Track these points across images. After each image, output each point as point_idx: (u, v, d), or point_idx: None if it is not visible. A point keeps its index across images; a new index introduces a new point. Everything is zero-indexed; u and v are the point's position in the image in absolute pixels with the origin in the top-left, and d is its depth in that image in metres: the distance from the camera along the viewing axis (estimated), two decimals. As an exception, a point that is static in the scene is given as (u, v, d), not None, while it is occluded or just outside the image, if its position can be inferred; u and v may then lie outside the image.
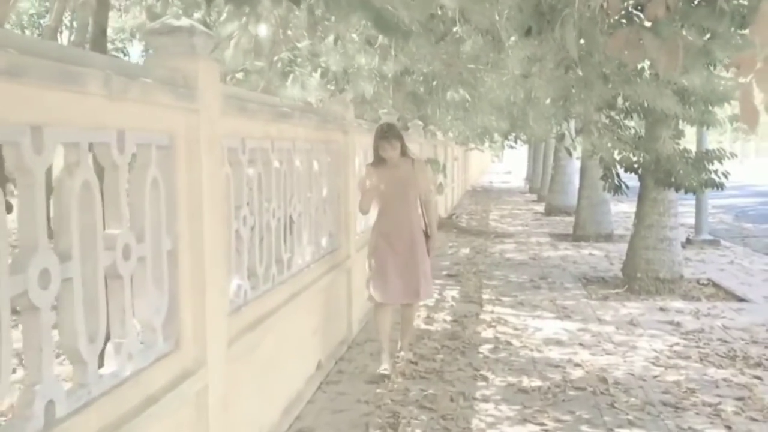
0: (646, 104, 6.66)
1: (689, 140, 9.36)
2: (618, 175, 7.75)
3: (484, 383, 4.86)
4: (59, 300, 2.19)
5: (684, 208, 10.00)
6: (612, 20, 4.02)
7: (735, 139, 54.29)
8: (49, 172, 2.24)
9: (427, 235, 5.19)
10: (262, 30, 5.88)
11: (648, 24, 3.27)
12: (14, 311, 1.96)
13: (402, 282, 5.01)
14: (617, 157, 7.37)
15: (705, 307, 7.10)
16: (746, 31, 4.47)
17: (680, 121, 7.67)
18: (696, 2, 4.26)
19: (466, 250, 11.35)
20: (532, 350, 5.65)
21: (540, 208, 18.61)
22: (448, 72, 7.08)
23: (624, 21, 4.08)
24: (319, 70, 5.46)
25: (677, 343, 5.80)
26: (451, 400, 4.53)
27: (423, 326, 6.41)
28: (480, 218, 16.99)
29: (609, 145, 6.96)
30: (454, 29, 5.71)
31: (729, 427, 4.10)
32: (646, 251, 7.89)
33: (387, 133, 5.00)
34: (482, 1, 5.30)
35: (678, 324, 6.42)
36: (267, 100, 3.98)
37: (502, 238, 12.86)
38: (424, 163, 5.37)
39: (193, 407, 2.93)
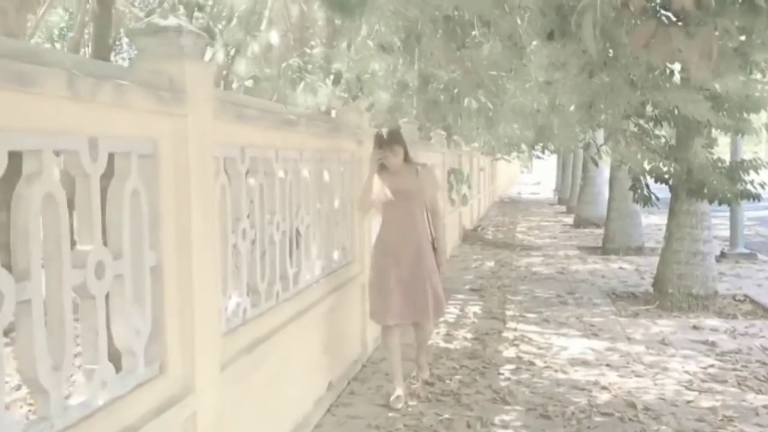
0: (676, 111, 6.34)
1: (723, 149, 8.97)
2: (647, 186, 7.41)
3: (503, 407, 4.57)
4: (16, 324, 1.98)
5: (718, 221, 9.59)
6: (637, 20, 3.73)
7: (771, 149, 53.06)
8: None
9: (435, 249, 4.79)
10: (274, 36, 5.71)
11: (678, 22, 3.01)
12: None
13: (407, 300, 4.59)
14: (647, 167, 7.03)
15: (742, 326, 6.72)
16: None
17: (713, 129, 7.31)
18: None
19: (490, 264, 11.04)
20: (556, 371, 5.34)
21: (569, 219, 18.20)
22: (467, 79, 6.83)
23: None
24: (331, 77, 5.22)
25: (712, 365, 5.44)
26: (468, 426, 4.25)
27: (442, 344, 6.13)
28: (507, 230, 16.64)
29: (638, 155, 6.63)
30: (473, 33, 5.46)
31: (770, 460, 3.78)
32: (678, 266, 7.53)
33: (390, 140, 4.61)
34: (502, 4, 5.05)
35: (713, 344, 6.05)
36: (268, 107, 3.77)
37: (528, 251, 12.52)
38: (430, 169, 4.96)
39: (179, 437, 2.70)
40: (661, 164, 7.09)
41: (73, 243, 2.20)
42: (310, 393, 4.42)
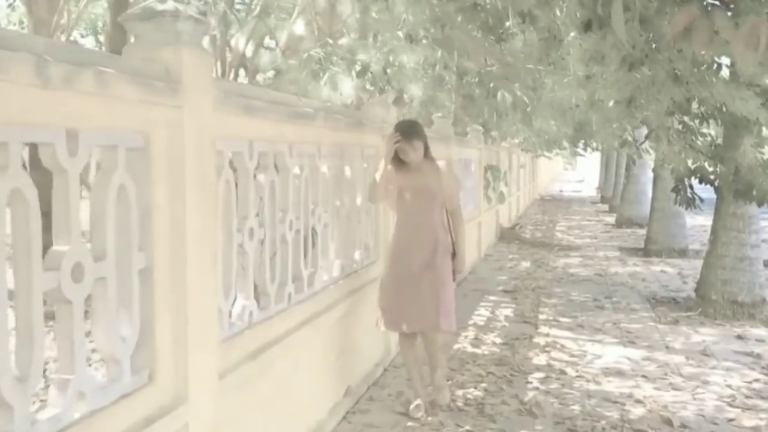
0: (724, 108, 5.97)
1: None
2: (691, 187, 7.04)
3: (529, 420, 4.32)
4: (-24, 332, 1.82)
5: (767, 224, 9.13)
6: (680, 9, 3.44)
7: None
8: None
9: (453, 254, 4.42)
10: (300, 26, 5.53)
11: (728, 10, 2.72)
12: None
13: (414, 306, 4.26)
14: (691, 167, 6.67)
15: (790, 336, 6.34)
16: None
17: (764, 128, 6.90)
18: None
19: (526, 264, 10.73)
20: (588, 381, 5.06)
21: (611, 219, 17.71)
22: (503, 72, 6.57)
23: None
24: (356, 69, 5.02)
25: (757, 380, 5.09)
26: (490, 439, 4.02)
27: (469, 349, 5.88)
28: (545, 229, 16.26)
29: (682, 154, 6.27)
30: (507, 24, 5.20)
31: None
32: (723, 271, 7.15)
33: (408, 133, 4.25)
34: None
35: (758, 356, 5.69)
36: (279, 98, 3.57)
37: (566, 252, 12.15)
38: (451, 167, 4.61)
39: (169, 450, 2.52)
40: (706, 164, 6.71)
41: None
42: (324, 399, 4.23)
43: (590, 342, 6.13)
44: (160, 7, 2.53)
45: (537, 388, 4.90)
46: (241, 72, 8.11)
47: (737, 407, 4.54)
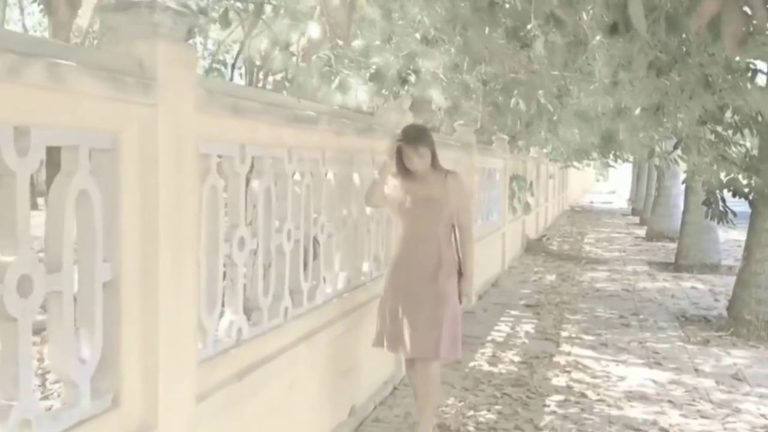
0: (759, 117, 5.63)
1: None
2: (723, 201, 6.69)
3: (543, 447, 4.04)
4: None
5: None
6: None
7: None
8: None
9: (460, 273, 3.99)
10: (314, 29, 5.32)
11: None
12: None
13: (415, 331, 3.81)
14: (723, 180, 6.32)
15: (829, 361, 5.96)
16: None
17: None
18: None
19: (551, 277, 10.40)
20: (609, 406, 4.75)
21: (641, 232, 17.25)
22: (526, 79, 6.29)
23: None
24: (369, 72, 4.78)
25: (793, 408, 4.76)
26: (499, 468, 3.75)
27: (485, 367, 5.60)
28: (573, 241, 15.86)
29: (714, 166, 5.93)
30: (528, 26, 4.93)
31: None
32: (757, 290, 6.78)
33: (414, 138, 3.88)
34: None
35: (795, 382, 5.34)
36: (275, 100, 3.35)
37: (594, 265, 11.78)
38: (460, 177, 4.11)
39: (133, 483, 2.30)
40: (740, 176, 6.36)
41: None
42: (325, 420, 3.98)
43: (614, 362, 5.81)
44: (136, -4, 2.33)
45: (554, 412, 4.61)
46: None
47: (771, 439, 4.22)
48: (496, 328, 7.02)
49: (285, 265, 3.50)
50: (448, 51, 5.15)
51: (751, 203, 6.88)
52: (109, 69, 2.14)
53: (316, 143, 3.82)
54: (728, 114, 6.00)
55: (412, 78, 5.74)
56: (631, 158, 18.77)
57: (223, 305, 3.03)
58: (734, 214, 6.90)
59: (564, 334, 6.77)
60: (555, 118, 7.93)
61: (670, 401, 4.87)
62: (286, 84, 5.44)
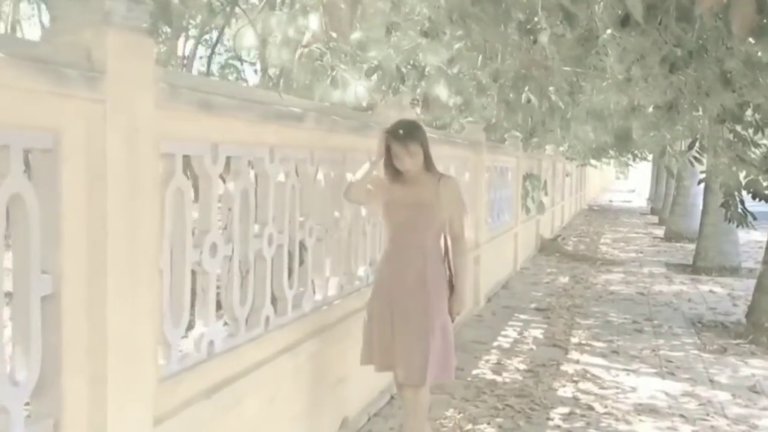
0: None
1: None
2: (742, 202, 6.39)
3: (544, 466, 3.80)
4: None
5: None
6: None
7: None
8: None
9: (452, 288, 3.55)
10: (313, 21, 5.11)
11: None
12: None
13: (400, 351, 3.41)
14: (742, 181, 6.01)
15: None
16: None
17: (828, 139, 6.21)
18: None
19: (564, 279, 10.11)
20: (617, 420, 4.50)
21: (660, 232, 16.87)
22: (536, 75, 6.03)
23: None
24: (365, 67, 4.55)
25: (815, 426, 4.47)
26: (495, 489, 3.51)
27: (489, 375, 5.36)
28: (589, 241, 15.53)
29: (733, 167, 5.63)
30: (535, 19, 4.68)
31: None
32: (777, 296, 6.47)
33: (404, 134, 3.42)
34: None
35: (817, 396, 5.05)
36: (253, 95, 3.14)
37: (609, 267, 11.46)
38: (454, 182, 3.66)
39: None
40: (760, 178, 6.04)
41: None
42: (312, 434, 3.77)
43: (624, 372, 5.54)
44: (84, -18, 2.12)
45: (558, 427, 4.36)
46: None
47: (790, 460, 3.94)
48: (503, 333, 6.76)
49: (266, 271, 3.29)
50: (449, 44, 4.89)
51: (773, 205, 6.55)
52: (46, 60, 1.93)
53: (304, 142, 3.60)
54: (748, 112, 5.70)
55: (413, 73, 5.51)
56: (649, 157, 18.39)
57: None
58: (754, 216, 6.57)
59: (574, 340, 6.50)
60: (569, 116, 7.65)
61: (682, 415, 4.60)
62: (281, 80, 5.22)
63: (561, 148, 14.97)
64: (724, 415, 4.62)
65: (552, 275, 10.45)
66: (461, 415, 4.47)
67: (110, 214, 2.13)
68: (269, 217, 3.28)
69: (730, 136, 5.48)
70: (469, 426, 4.30)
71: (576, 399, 4.87)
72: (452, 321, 3.55)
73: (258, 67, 9.64)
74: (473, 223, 7.63)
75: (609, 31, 4.78)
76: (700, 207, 12.08)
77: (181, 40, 11.42)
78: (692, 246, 12.42)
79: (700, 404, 4.83)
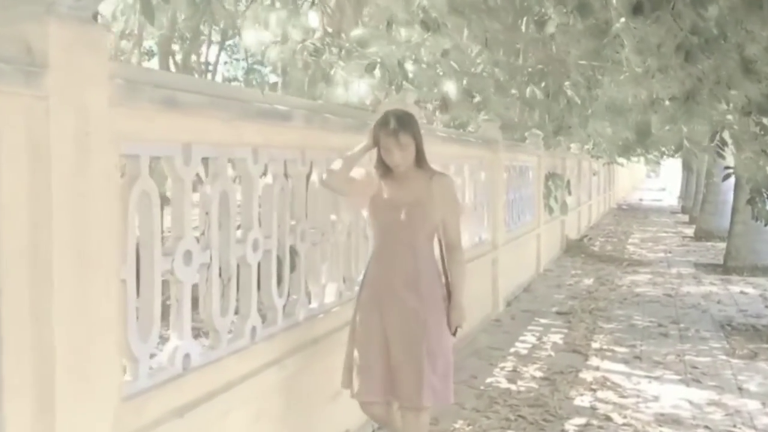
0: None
1: None
2: (771, 199, 6.09)
3: (555, 484, 3.56)
4: None
5: None
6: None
7: None
8: None
9: (449, 299, 3.23)
10: (313, 18, 4.94)
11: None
12: None
13: (390, 371, 3.12)
14: (770, 177, 5.72)
15: None
16: None
17: None
18: None
19: (589, 281, 9.81)
20: (637, 431, 4.24)
21: (690, 231, 16.43)
22: (551, 68, 5.80)
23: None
24: (365, 63, 4.35)
25: None
26: None
27: (503, 384, 5.12)
28: (617, 241, 15.14)
29: (761, 161, 5.34)
30: (542, 9, 4.46)
31: None
32: (811, 297, 6.13)
33: (395, 125, 3.07)
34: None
35: None
36: (228, 92, 2.96)
37: (636, 267, 11.12)
38: (449, 180, 3.35)
39: None
40: (788, 173, 5.74)
41: None
42: (308, 450, 3.58)
43: (646, 379, 5.27)
44: (25, -31, 1.95)
45: (573, 440, 4.12)
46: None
47: (823, 476, 3.66)
48: (522, 338, 6.51)
49: (251, 279, 3.11)
50: (451, 36, 4.68)
51: (804, 202, 6.22)
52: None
53: (293, 141, 3.41)
54: (774, 103, 5.39)
55: (425, 72, 5.31)
56: (671, 154, 17.91)
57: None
58: (783, 214, 6.27)
59: (594, 345, 6.23)
60: (589, 112, 7.37)
61: (707, 427, 4.32)
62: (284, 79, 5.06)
63: (586, 146, 14.63)
64: (753, 426, 4.34)
65: (576, 277, 10.15)
66: (471, 427, 4.25)
67: (56, 220, 1.96)
68: (253, 220, 3.10)
69: (756, 129, 5.20)
70: (479, 439, 4.08)
71: (593, 409, 4.61)
72: (453, 335, 3.24)
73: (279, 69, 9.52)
74: (491, 225, 7.40)
75: (623, 20, 4.54)
76: (731, 204, 11.70)
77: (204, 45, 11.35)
78: (723, 245, 12.03)
79: (727, 414, 4.55)
